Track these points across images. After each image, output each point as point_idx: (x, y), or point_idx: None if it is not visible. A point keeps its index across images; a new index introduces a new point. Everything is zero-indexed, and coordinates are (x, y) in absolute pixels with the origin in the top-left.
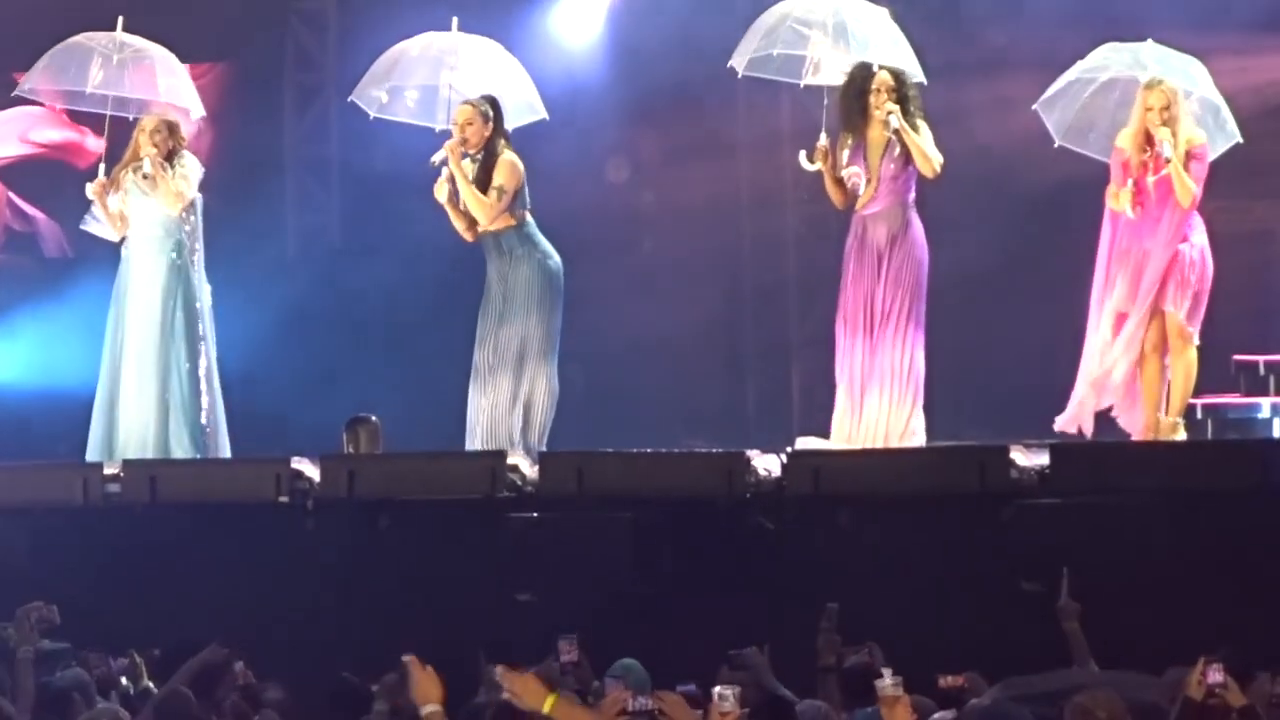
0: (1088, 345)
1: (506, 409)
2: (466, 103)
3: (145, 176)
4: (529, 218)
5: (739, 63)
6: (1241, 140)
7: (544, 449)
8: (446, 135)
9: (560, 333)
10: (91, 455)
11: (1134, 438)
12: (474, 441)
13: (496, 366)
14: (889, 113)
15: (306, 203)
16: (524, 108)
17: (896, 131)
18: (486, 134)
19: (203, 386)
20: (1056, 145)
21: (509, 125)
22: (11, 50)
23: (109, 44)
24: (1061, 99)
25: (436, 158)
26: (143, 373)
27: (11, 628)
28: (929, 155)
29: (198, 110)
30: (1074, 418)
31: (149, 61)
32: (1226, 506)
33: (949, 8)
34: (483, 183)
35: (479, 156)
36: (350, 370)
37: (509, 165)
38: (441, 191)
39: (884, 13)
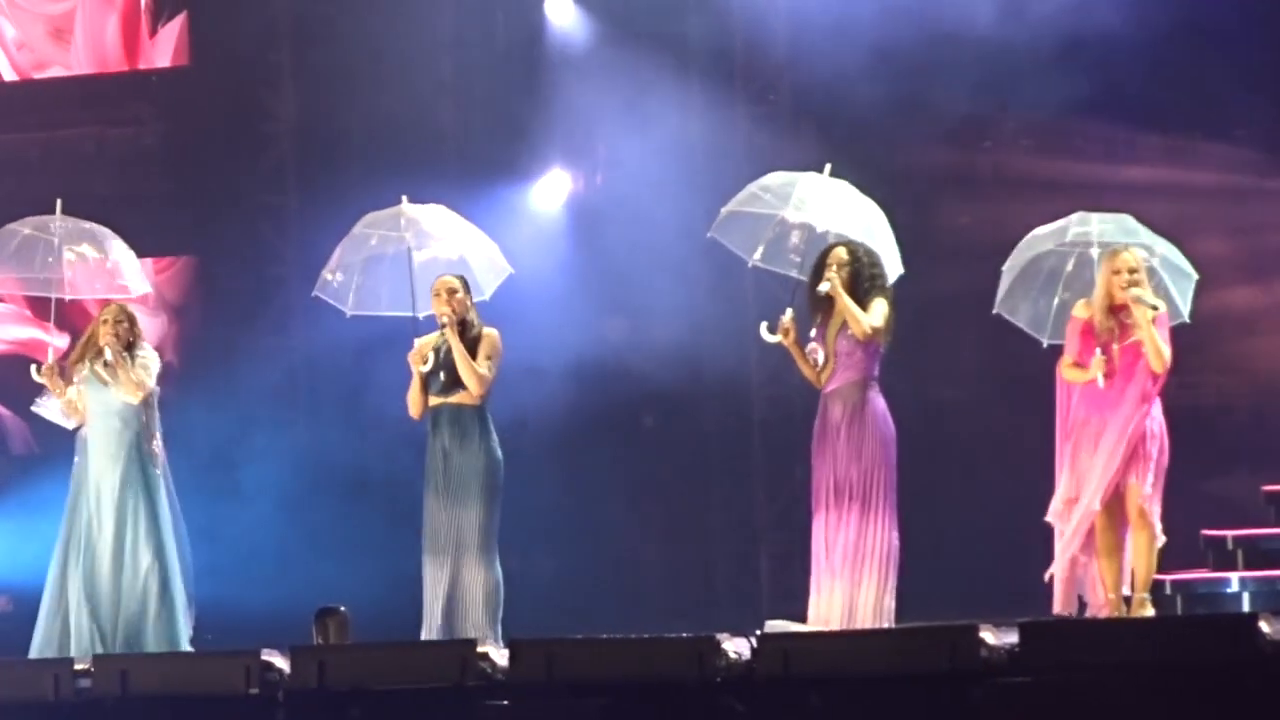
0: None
1: (462, 598)
2: (447, 274)
3: (106, 364)
4: (488, 403)
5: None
6: (1189, 320)
7: (501, 637)
8: (424, 322)
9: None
10: (37, 652)
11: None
12: (429, 628)
13: (442, 551)
14: (826, 280)
15: (270, 392)
16: (493, 271)
17: (829, 296)
18: (467, 303)
19: (168, 577)
20: (994, 312)
21: (489, 289)
22: None
23: (48, 228)
24: (1014, 260)
25: (441, 319)
26: (99, 569)
27: None
28: (858, 318)
29: (142, 287)
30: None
31: (91, 242)
32: (1198, 682)
33: None
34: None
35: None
36: (312, 558)
37: (494, 340)
38: (422, 360)
39: (872, 206)
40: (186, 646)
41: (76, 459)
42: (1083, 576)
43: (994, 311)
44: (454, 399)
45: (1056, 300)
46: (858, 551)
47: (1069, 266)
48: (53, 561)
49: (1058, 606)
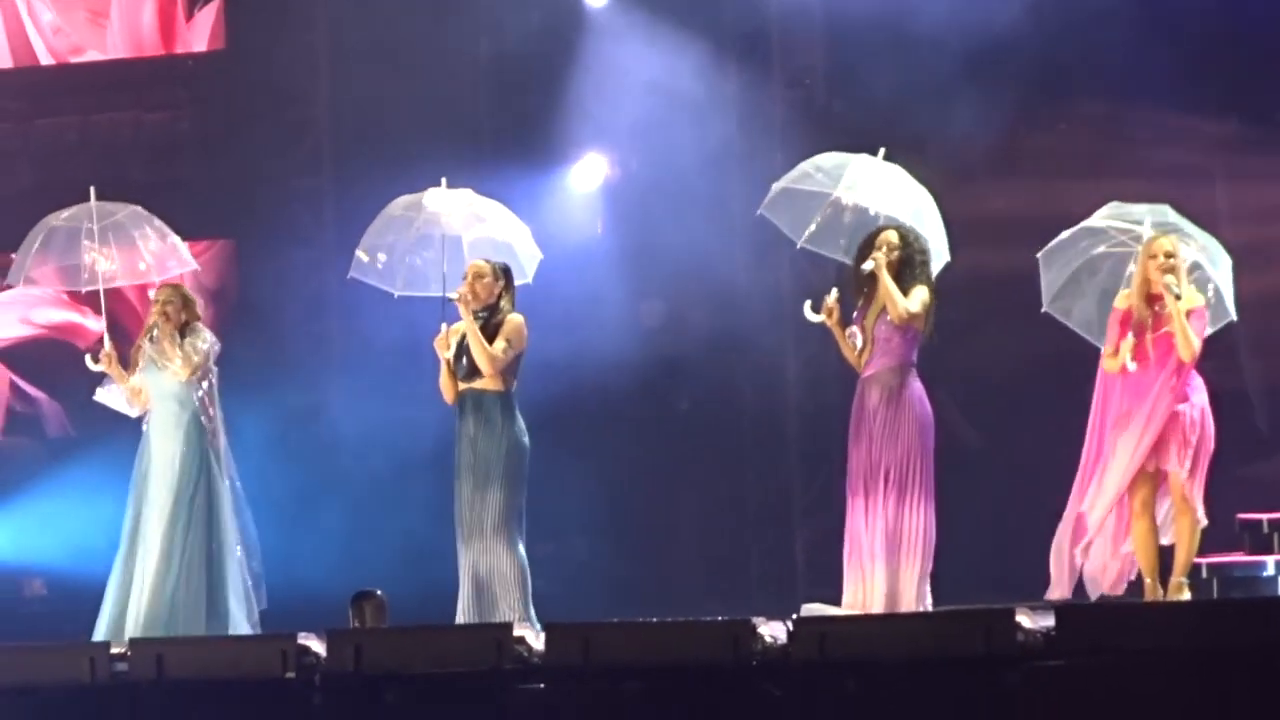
0: (1068, 513)
1: (490, 582)
2: (482, 259)
3: (152, 340)
4: (514, 388)
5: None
6: (1236, 319)
7: (533, 620)
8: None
9: (527, 504)
10: (99, 636)
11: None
12: (464, 612)
13: (470, 536)
14: (870, 259)
15: (307, 377)
16: (526, 255)
17: (871, 275)
18: (495, 290)
19: (224, 559)
20: (1044, 310)
21: (531, 273)
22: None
23: (85, 216)
24: (1059, 257)
25: (454, 294)
26: (157, 556)
27: None
28: (896, 300)
29: (188, 265)
30: (1058, 584)
31: (128, 228)
32: (1234, 666)
33: None
34: (487, 340)
35: (482, 314)
36: (352, 542)
37: (517, 325)
38: (446, 345)
39: (923, 192)
40: (245, 629)
41: (141, 445)
42: (1098, 566)
43: (1044, 310)
44: (476, 385)
45: (1070, 276)
46: (895, 536)
47: (1098, 249)
48: (120, 549)
49: (1055, 588)
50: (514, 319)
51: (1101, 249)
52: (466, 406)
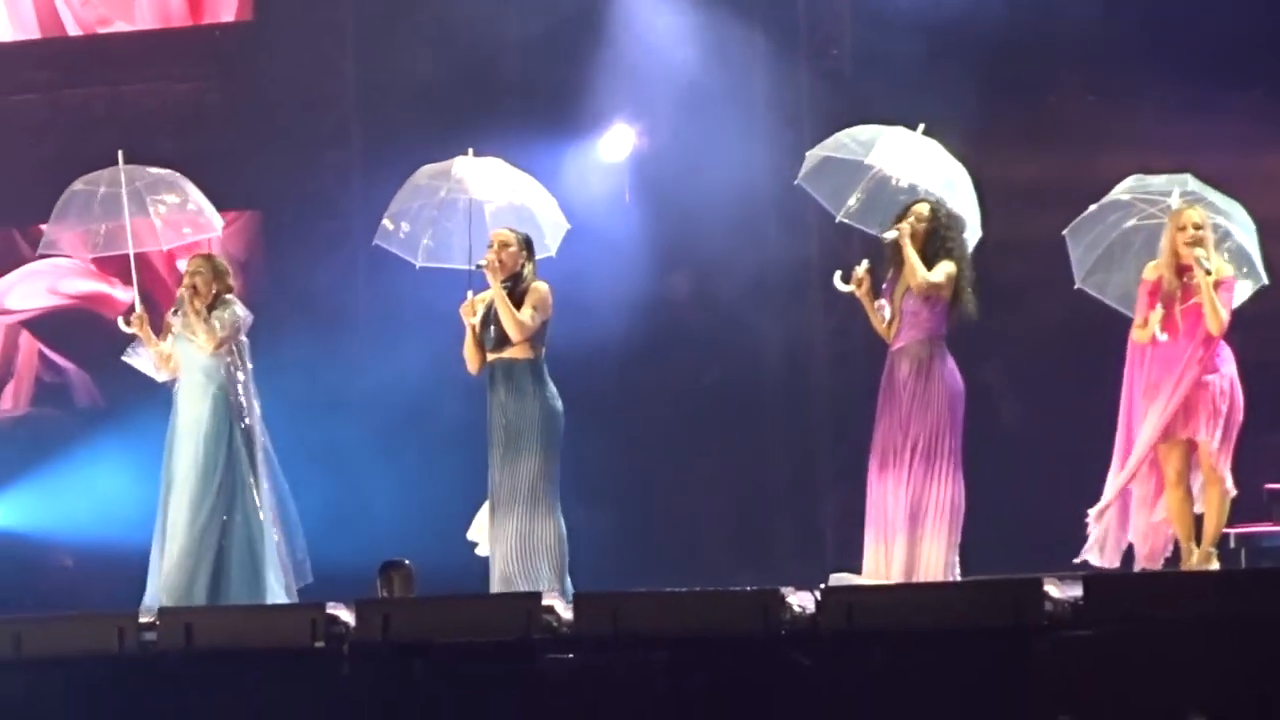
0: (1110, 483)
1: (518, 552)
2: (506, 228)
3: (176, 312)
4: (543, 355)
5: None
6: (1268, 282)
7: (569, 589)
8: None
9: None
10: (149, 603)
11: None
12: (494, 581)
13: (504, 504)
14: (895, 229)
15: (334, 347)
16: (554, 223)
17: (895, 244)
18: (520, 260)
19: (249, 530)
20: (1076, 287)
21: (555, 245)
22: (39, 202)
23: (114, 180)
24: (1087, 233)
25: (482, 262)
26: (181, 522)
27: None
28: (916, 269)
29: (216, 226)
30: (1097, 543)
31: (158, 191)
32: (1263, 635)
33: None
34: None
35: (507, 283)
36: (378, 510)
37: (542, 293)
38: (473, 312)
39: (958, 166)
40: (281, 598)
41: (171, 415)
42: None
43: (1076, 287)
44: (506, 354)
45: (1101, 251)
46: (919, 508)
47: (1128, 223)
48: (157, 517)
49: (1097, 554)
50: (539, 286)
51: (1132, 222)
52: (497, 375)
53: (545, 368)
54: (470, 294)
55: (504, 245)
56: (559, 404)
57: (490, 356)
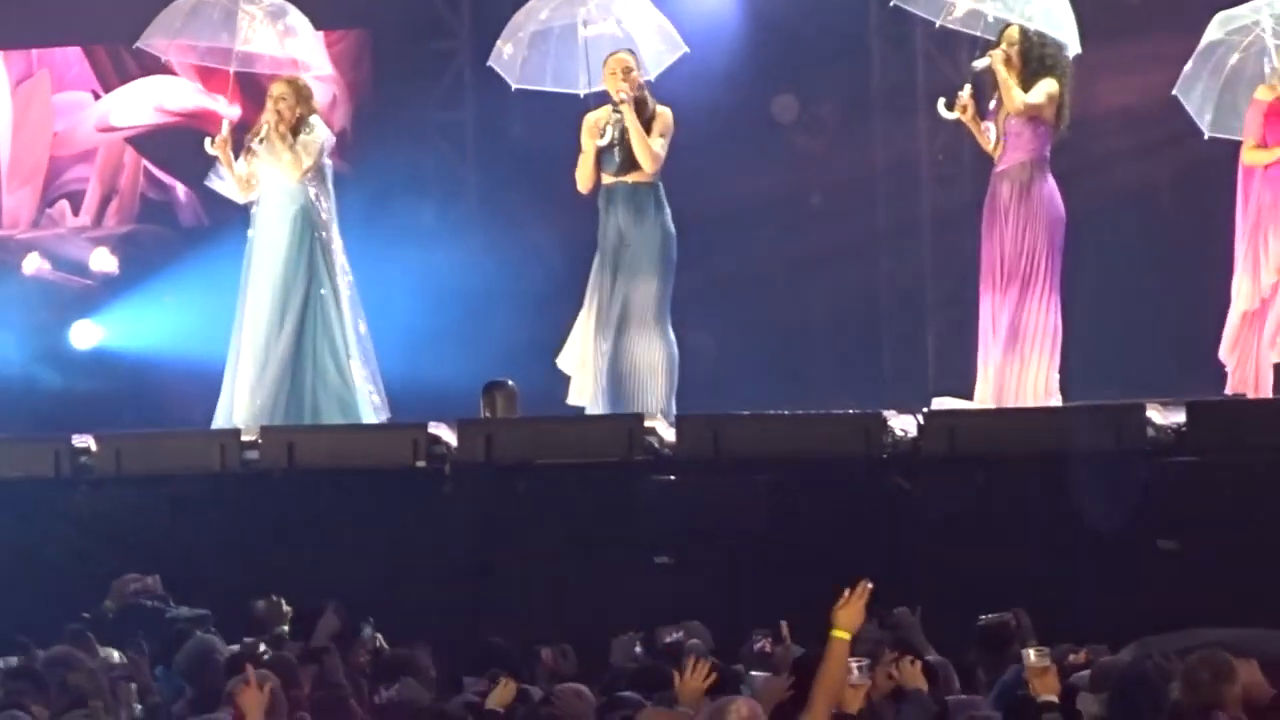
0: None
1: (636, 372)
2: (624, 50)
3: (260, 140)
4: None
5: None
6: None
7: (674, 412)
8: (592, 98)
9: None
10: (218, 423)
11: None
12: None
13: (610, 325)
14: (988, 55)
15: (442, 168)
16: (665, 49)
17: (991, 70)
18: (639, 81)
19: (334, 350)
20: (1206, 137)
21: (655, 69)
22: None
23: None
24: (1198, 83)
25: (618, 95)
26: (258, 342)
27: (109, 599)
28: (1012, 92)
29: (322, 67)
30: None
31: (271, 18)
32: None
33: None
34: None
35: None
36: (483, 334)
37: (668, 120)
38: (599, 133)
39: None
40: (370, 418)
41: (250, 232)
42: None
43: (1208, 137)
44: (630, 177)
45: (1219, 94)
46: (1015, 331)
47: (1233, 59)
48: (231, 338)
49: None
50: (664, 112)
51: (1235, 57)
52: (617, 198)
53: (663, 191)
54: (590, 116)
55: (627, 70)
56: (674, 229)
57: (609, 179)
